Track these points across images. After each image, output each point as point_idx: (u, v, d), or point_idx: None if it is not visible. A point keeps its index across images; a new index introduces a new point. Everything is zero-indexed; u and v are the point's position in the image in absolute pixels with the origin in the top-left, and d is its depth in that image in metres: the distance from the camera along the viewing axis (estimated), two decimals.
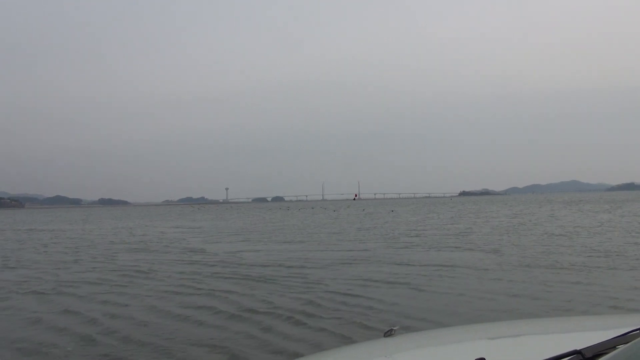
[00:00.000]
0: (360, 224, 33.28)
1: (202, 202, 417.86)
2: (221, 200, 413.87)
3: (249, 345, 6.28)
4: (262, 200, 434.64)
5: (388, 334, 2.21)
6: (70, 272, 13.50)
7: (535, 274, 10.77)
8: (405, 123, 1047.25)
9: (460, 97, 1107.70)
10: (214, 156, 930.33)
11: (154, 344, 6.43)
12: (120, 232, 32.62)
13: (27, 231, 37.20)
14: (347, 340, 6.18)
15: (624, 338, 1.52)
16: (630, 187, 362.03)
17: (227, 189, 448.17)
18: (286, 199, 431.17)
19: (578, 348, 1.42)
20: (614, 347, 1.45)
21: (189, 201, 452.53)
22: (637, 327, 1.58)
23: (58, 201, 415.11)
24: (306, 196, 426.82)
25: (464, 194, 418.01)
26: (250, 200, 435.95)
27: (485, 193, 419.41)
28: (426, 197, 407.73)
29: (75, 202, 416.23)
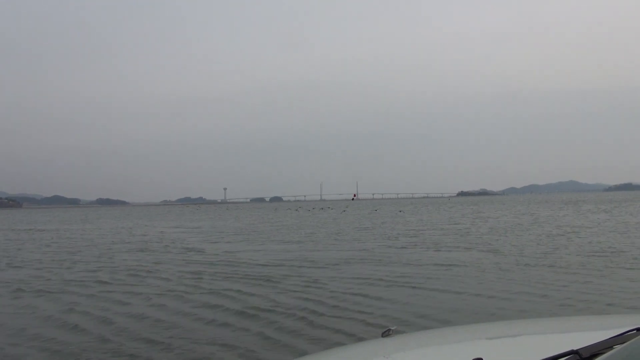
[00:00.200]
0: (370, 223, 33.36)
1: (200, 202, 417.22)
2: (219, 201, 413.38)
3: (256, 343, 6.36)
4: (261, 200, 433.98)
5: (386, 334, 2.22)
6: (74, 272, 13.56)
7: (533, 273, 10.85)
8: (404, 123, 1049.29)
9: (459, 97, 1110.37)
10: (213, 156, 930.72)
11: (159, 341, 6.52)
12: (120, 232, 32.63)
13: (27, 231, 37.16)
14: (347, 339, 6.24)
15: (620, 338, 1.53)
16: (627, 187, 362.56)
17: (225, 189, 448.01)
18: (284, 199, 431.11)
19: (575, 348, 1.43)
20: (611, 347, 1.46)
21: (187, 201, 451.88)
22: (634, 327, 1.59)
23: (56, 201, 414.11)
24: (304, 196, 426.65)
25: (462, 194, 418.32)
26: (248, 200, 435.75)
27: (483, 193, 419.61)
28: (424, 197, 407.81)
29: (74, 202, 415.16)
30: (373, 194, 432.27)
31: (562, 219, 31.60)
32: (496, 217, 36.23)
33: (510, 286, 9.51)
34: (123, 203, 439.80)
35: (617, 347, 1.43)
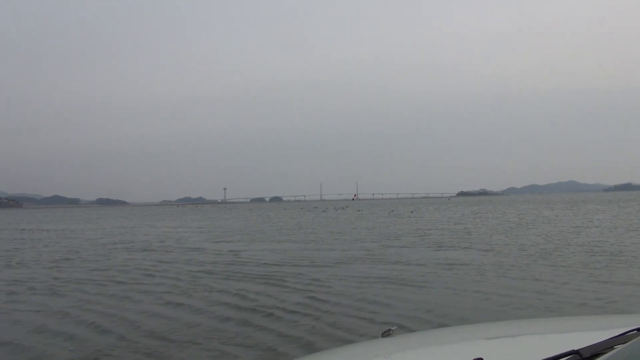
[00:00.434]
0: (366, 223, 33.46)
1: (200, 202, 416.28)
2: (219, 201, 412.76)
3: (255, 339, 6.50)
4: (260, 200, 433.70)
5: (386, 334, 2.23)
6: (84, 271, 13.71)
7: (533, 272, 10.99)
8: (404, 123, 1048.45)
9: (459, 97, 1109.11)
10: (213, 156, 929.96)
11: (166, 338, 6.68)
12: (123, 232, 32.74)
13: (28, 231, 37.24)
14: (347, 338, 6.34)
15: (621, 338, 1.53)
16: (627, 187, 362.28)
17: (225, 189, 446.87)
18: (284, 199, 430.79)
19: (576, 348, 1.43)
20: (612, 347, 1.46)
21: (187, 201, 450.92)
22: (635, 327, 1.59)
23: (56, 201, 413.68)
24: (304, 196, 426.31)
25: (462, 194, 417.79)
26: (248, 200, 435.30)
27: (483, 193, 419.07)
28: (424, 197, 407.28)
29: (74, 202, 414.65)
30: (373, 194, 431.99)
31: (562, 218, 31.74)
32: (496, 217, 36.37)
33: (510, 285, 9.61)
34: (123, 203, 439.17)
35: (618, 347, 1.43)
